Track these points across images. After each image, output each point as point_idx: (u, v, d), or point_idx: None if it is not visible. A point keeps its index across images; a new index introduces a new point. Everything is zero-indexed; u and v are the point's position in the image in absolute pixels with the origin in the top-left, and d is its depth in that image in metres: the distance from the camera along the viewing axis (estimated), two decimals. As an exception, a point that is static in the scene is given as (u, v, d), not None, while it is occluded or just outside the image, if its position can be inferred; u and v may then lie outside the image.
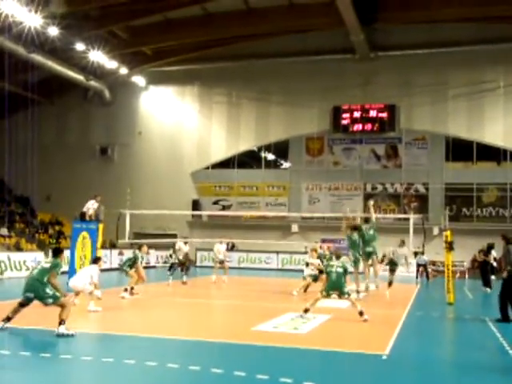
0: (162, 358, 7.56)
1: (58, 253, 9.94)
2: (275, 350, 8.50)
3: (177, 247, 19.62)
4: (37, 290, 9.27)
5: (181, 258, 19.23)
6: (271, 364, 7.64)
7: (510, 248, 12.04)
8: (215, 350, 8.74)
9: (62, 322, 9.06)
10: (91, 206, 18.24)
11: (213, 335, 9.82)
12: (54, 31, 23.70)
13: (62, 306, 9.22)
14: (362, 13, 25.49)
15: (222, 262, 21.10)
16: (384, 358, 8.05)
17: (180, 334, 9.67)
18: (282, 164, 34.05)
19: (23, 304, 9.45)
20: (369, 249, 16.14)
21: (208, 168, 33.66)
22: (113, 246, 26.88)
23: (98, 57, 27.66)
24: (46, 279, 9.31)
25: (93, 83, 32.07)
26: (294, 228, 31.03)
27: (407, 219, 21.22)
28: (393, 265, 17.03)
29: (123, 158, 34.63)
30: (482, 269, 20.57)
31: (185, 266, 19.48)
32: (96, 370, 7.21)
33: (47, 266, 9.52)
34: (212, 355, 8.37)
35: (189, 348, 8.73)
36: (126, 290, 14.88)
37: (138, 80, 33.40)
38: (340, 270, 11.54)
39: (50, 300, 9.27)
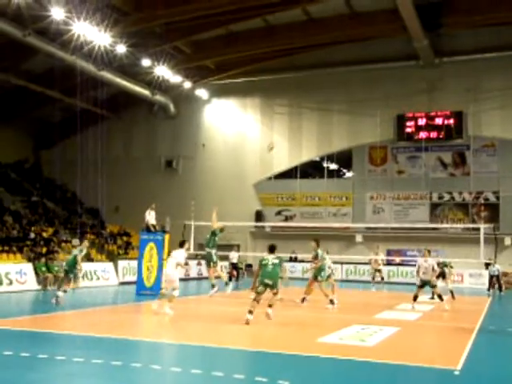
0: (228, 369, 7.61)
1: (274, 249, 12.51)
2: (341, 363, 8.37)
3: None
4: (275, 279, 12.11)
5: None
6: (338, 376, 7.53)
7: None
8: (281, 362, 8.70)
9: (271, 306, 12.10)
10: (149, 217, 18.77)
11: (278, 346, 9.79)
12: (121, 49, 24.60)
13: (275, 294, 12.25)
14: (425, 18, 24.98)
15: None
16: (456, 373, 7.76)
17: (246, 345, 9.71)
18: (344, 173, 33.74)
19: (261, 293, 12.12)
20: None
21: (271, 178, 33.80)
22: None
23: (163, 72, 28.45)
24: (279, 272, 12.54)
25: (158, 97, 32.99)
26: (359, 238, 30.59)
27: (476, 229, 20.51)
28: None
29: (187, 170, 35.32)
30: None
31: None
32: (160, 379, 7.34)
33: (277, 261, 12.28)
34: (278, 367, 8.34)
35: (255, 359, 8.75)
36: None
37: (201, 93, 34.06)
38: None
39: (275, 289, 12.18)
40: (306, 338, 10.79)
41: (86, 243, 16.63)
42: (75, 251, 15.95)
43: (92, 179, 30.21)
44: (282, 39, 27.93)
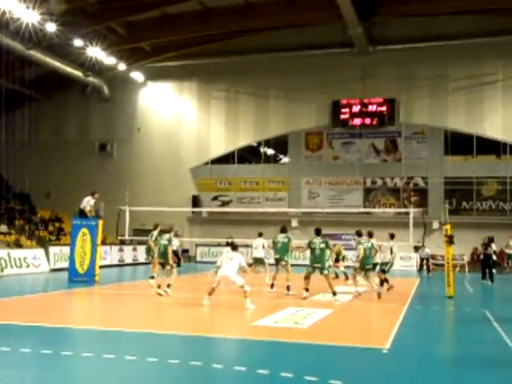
0: (163, 354, 7.56)
1: (320, 232, 13.94)
2: (276, 345, 8.49)
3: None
4: (322, 263, 13.75)
5: None
6: (272, 359, 7.63)
7: None
8: (216, 346, 8.74)
9: (334, 293, 13.76)
10: (86, 204, 18.22)
11: (213, 330, 9.82)
12: (51, 27, 23.63)
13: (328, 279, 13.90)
14: (360, 6, 25.41)
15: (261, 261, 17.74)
16: (385, 351, 8.05)
17: (180, 330, 9.67)
18: (281, 159, 34.05)
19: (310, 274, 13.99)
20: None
21: (207, 163, 33.64)
22: (122, 242, 26.60)
23: (96, 53, 27.60)
24: (326, 257, 14.03)
25: (91, 79, 32.01)
26: (294, 223, 31.01)
27: (407, 213, 21.22)
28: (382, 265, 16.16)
29: (122, 154, 34.59)
30: (483, 262, 20.60)
31: None
32: (96, 367, 7.21)
33: (324, 245, 13.76)
34: (213, 351, 8.37)
35: (190, 344, 8.72)
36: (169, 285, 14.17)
37: (137, 76, 33.33)
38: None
39: (326, 271, 13.90)
40: (241, 321, 10.88)
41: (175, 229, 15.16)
42: (163, 241, 14.47)
43: (21, 163, 29.06)
44: (218, 23, 27.65)
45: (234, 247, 12.98)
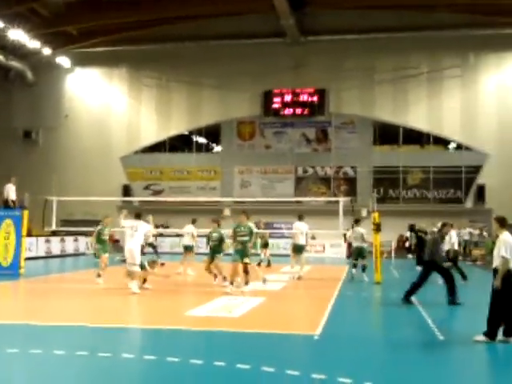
0: (94, 348, 7.38)
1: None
2: (209, 335, 8.51)
3: None
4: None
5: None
6: (205, 348, 7.64)
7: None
8: (148, 337, 8.64)
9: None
10: (11, 193, 17.47)
11: (146, 321, 9.70)
12: (-31, 7, 22.36)
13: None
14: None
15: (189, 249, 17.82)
16: (316, 338, 8.22)
17: (112, 322, 9.48)
18: (213, 148, 33.94)
19: None
20: None
21: (138, 152, 33.02)
22: (53, 233, 25.69)
23: (19, 35, 26.38)
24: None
25: (14, 63, 30.59)
26: (227, 212, 31.02)
27: (337, 202, 21.72)
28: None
29: (49, 141, 33.34)
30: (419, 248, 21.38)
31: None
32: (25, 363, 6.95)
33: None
34: (145, 342, 8.27)
35: (122, 336, 8.57)
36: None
37: (63, 61, 32.15)
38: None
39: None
40: (175, 311, 10.80)
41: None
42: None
43: None
44: (150, 9, 27.17)
45: (138, 215, 12.77)
